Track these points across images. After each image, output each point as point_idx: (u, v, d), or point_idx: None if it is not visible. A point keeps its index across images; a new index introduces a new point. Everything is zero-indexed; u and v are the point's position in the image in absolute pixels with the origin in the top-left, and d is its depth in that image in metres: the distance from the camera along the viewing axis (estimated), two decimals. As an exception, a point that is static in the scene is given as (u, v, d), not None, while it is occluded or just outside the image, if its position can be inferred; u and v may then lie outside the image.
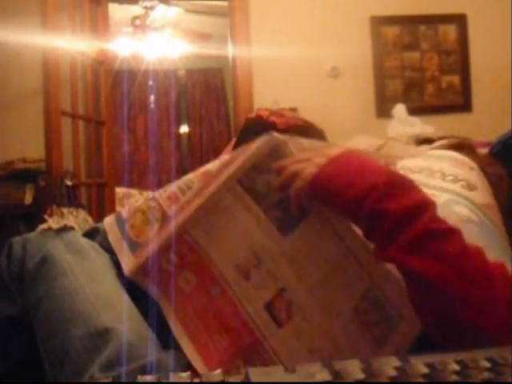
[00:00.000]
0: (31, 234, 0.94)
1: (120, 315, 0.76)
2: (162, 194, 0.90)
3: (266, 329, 0.73)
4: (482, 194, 0.85)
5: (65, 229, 0.92)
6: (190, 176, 0.88)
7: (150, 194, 0.93)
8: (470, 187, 0.84)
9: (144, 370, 0.70)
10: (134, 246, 0.85)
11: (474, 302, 0.58)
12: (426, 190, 0.72)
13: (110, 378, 0.68)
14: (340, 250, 0.74)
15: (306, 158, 0.75)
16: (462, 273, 0.59)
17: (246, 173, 0.80)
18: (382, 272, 0.72)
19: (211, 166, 0.87)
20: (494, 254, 0.66)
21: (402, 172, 0.77)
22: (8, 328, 0.85)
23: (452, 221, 0.66)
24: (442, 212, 0.67)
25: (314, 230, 0.76)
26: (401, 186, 0.66)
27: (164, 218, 0.84)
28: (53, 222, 0.92)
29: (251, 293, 0.74)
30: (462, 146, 1.01)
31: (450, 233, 0.63)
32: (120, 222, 0.91)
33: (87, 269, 0.84)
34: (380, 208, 0.63)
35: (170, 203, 0.86)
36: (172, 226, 0.80)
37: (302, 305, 0.73)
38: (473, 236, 0.69)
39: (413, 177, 0.76)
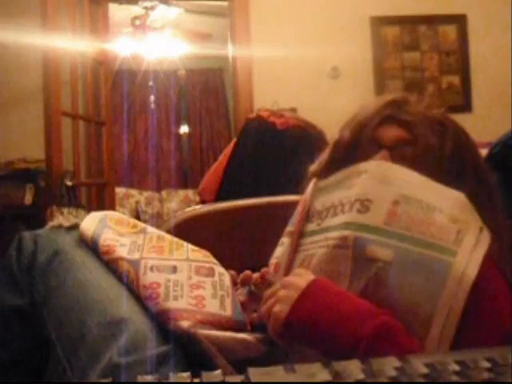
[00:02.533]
0: (41, 230, 0.95)
1: (133, 307, 0.78)
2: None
3: None
4: (379, 204, 0.76)
5: (75, 227, 0.93)
6: None
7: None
8: (364, 207, 0.77)
9: (161, 358, 0.72)
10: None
11: None
12: (330, 242, 0.76)
13: (110, 379, 0.68)
14: None
15: (272, 293, 0.75)
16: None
17: None
18: None
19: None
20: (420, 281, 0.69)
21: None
22: (11, 318, 0.86)
23: (368, 275, 0.71)
24: (359, 264, 0.72)
25: None
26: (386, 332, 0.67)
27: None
28: (63, 220, 0.95)
29: None
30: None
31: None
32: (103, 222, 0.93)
33: (99, 263, 0.85)
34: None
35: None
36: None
37: None
38: (396, 278, 0.70)
39: (323, 225, 0.81)
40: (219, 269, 0.88)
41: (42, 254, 0.87)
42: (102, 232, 0.89)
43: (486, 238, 0.72)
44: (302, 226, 0.86)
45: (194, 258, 0.87)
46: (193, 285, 0.81)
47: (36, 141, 2.97)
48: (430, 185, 0.78)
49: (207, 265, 0.87)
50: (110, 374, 0.69)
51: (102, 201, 3.23)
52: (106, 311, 0.77)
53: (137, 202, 5.62)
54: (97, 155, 3.24)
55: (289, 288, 0.73)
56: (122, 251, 0.85)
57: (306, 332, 0.70)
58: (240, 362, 0.74)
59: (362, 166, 0.83)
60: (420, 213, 0.74)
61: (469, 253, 0.70)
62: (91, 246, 0.88)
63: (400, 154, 0.89)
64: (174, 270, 0.83)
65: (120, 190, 5.17)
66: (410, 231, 0.73)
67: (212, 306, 0.80)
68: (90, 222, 0.93)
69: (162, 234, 0.94)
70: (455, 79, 3.40)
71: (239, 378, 0.37)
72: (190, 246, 0.91)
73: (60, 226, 0.93)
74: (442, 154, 0.88)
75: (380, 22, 3.34)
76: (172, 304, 0.78)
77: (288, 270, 0.83)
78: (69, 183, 2.81)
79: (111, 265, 0.85)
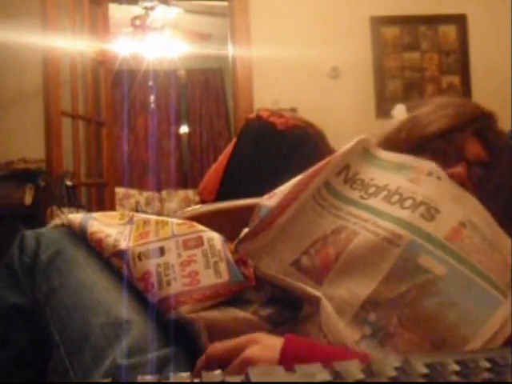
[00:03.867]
0: (44, 229, 0.95)
1: (137, 307, 0.77)
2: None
3: None
4: (446, 217, 0.73)
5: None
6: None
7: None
8: (430, 214, 0.73)
9: (164, 359, 0.71)
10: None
11: None
12: (380, 231, 0.72)
13: (110, 379, 0.68)
14: None
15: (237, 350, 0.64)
16: None
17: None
18: None
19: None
20: (464, 306, 0.67)
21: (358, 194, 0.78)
22: (13, 316, 0.86)
23: (415, 282, 0.68)
24: (404, 267, 0.69)
25: None
26: None
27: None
28: (64, 219, 0.94)
29: None
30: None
31: None
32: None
33: (103, 264, 0.85)
34: None
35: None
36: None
37: None
38: (443, 295, 0.68)
39: (368, 203, 0.76)
40: (208, 234, 0.84)
41: (45, 253, 0.87)
42: (88, 222, 0.89)
43: None
44: (329, 175, 0.83)
45: (180, 232, 0.84)
46: (183, 262, 0.79)
47: (36, 141, 2.97)
48: (495, 225, 0.77)
49: (194, 235, 0.83)
50: (113, 375, 0.68)
51: (102, 201, 3.23)
52: (110, 312, 0.76)
53: (137, 202, 5.62)
54: (97, 155, 3.24)
55: (261, 347, 0.64)
56: (108, 245, 0.83)
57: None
58: None
59: (435, 168, 0.80)
60: (483, 244, 0.72)
61: None
62: (80, 235, 0.88)
63: (476, 173, 0.87)
64: (162, 251, 0.81)
65: (120, 190, 5.17)
66: (470, 257, 0.71)
67: (207, 278, 0.77)
68: (76, 216, 0.93)
69: (148, 217, 0.91)
70: (455, 79, 3.40)
71: (239, 378, 0.37)
72: (175, 221, 0.88)
73: (62, 225, 0.93)
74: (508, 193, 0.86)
75: (380, 22, 3.34)
76: (167, 290, 0.76)
77: (289, 201, 0.81)
78: (69, 183, 2.81)
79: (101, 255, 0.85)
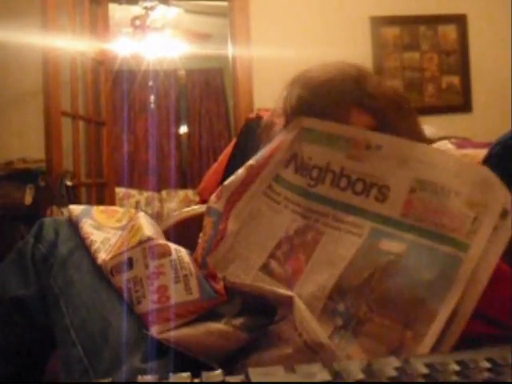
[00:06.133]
0: (64, 219, 0.92)
1: None
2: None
3: None
4: (397, 192, 0.73)
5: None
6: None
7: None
8: (382, 195, 0.73)
9: (180, 364, 0.68)
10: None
11: None
12: (342, 226, 0.73)
13: (110, 379, 0.68)
14: None
15: None
16: None
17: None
18: None
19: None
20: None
21: None
22: (8, 309, 0.84)
23: (377, 266, 0.68)
24: (366, 254, 0.70)
25: None
26: None
27: None
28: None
29: None
30: None
31: None
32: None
33: None
34: None
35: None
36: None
37: None
38: (405, 272, 0.67)
39: (320, 192, 0.76)
40: (172, 244, 0.79)
41: (65, 245, 0.85)
42: (82, 219, 0.87)
43: (508, 226, 0.64)
44: (277, 169, 0.81)
45: (146, 236, 0.79)
46: (152, 274, 0.75)
47: (36, 141, 2.97)
48: (450, 160, 0.70)
49: (160, 241, 0.78)
50: (133, 378, 0.67)
51: (102, 201, 3.22)
52: (131, 314, 0.75)
53: (137, 202, 5.62)
54: (97, 155, 3.24)
55: None
56: (92, 249, 0.83)
57: None
58: (225, 354, 0.69)
59: (373, 136, 0.76)
60: (434, 199, 0.68)
61: (483, 247, 0.63)
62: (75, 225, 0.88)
63: None
64: (130, 263, 0.77)
65: (120, 190, 5.17)
66: (424, 222, 0.68)
67: (177, 294, 0.73)
68: (74, 209, 0.92)
69: (140, 222, 0.86)
70: (455, 79, 3.40)
71: (239, 378, 0.37)
72: (148, 226, 0.83)
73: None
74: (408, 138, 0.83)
75: (380, 22, 3.34)
76: (138, 309, 0.75)
77: (235, 198, 0.79)
78: (69, 183, 2.81)
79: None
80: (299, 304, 0.67)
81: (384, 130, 0.82)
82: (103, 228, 0.88)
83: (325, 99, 0.86)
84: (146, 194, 5.76)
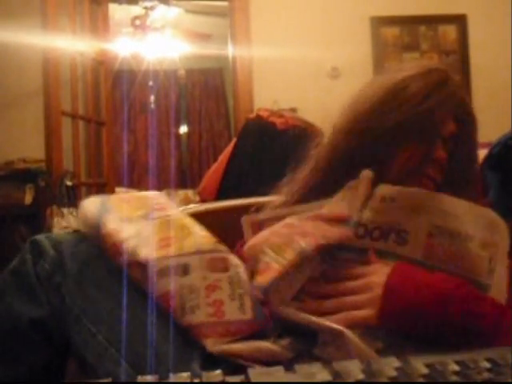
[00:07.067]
0: (58, 236, 0.87)
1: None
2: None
3: None
4: (415, 235, 0.79)
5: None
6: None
7: None
8: (401, 238, 0.79)
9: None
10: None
11: None
12: None
13: (110, 379, 0.67)
14: None
15: (341, 294, 0.73)
16: None
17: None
18: None
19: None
20: None
21: None
22: (28, 333, 0.79)
23: None
24: None
25: None
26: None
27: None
28: (80, 218, 0.88)
29: None
30: None
31: None
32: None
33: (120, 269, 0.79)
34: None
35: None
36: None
37: None
38: None
39: None
40: (233, 260, 0.78)
41: (72, 261, 0.80)
42: (102, 219, 0.81)
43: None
44: None
45: (205, 247, 0.78)
46: (209, 286, 0.74)
47: (36, 141, 2.97)
48: (460, 206, 0.78)
49: (220, 255, 0.78)
50: None
51: (102, 201, 3.22)
52: (168, 322, 0.73)
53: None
54: (97, 155, 3.24)
55: (366, 290, 0.71)
56: (126, 248, 0.77)
57: (403, 322, 0.69)
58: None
59: (385, 189, 0.80)
60: (453, 244, 0.75)
61: (501, 283, 0.72)
62: (94, 234, 0.81)
63: (453, 148, 0.88)
64: (186, 269, 0.75)
65: (120, 190, 5.16)
66: (447, 265, 0.74)
67: (232, 311, 0.73)
68: (91, 208, 0.85)
69: (166, 218, 0.84)
70: (455, 79, 3.40)
71: (239, 378, 0.37)
72: (198, 231, 0.82)
73: (77, 231, 0.87)
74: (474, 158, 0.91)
75: (380, 22, 3.34)
76: (190, 318, 0.72)
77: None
78: (69, 183, 2.81)
79: (117, 261, 0.78)
80: (351, 337, 0.69)
81: (461, 140, 0.87)
82: (131, 219, 0.82)
83: (418, 96, 0.85)
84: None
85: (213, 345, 0.71)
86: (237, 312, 0.74)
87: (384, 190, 0.80)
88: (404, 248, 0.76)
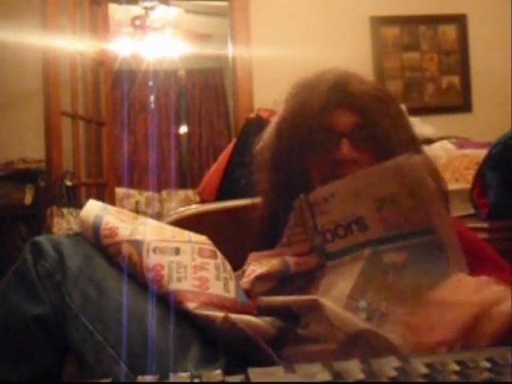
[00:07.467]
0: (59, 238, 0.88)
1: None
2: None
3: None
4: (372, 218, 0.84)
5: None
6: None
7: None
8: (363, 225, 0.84)
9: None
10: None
11: None
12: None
13: (110, 379, 0.68)
14: None
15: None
16: None
17: None
18: None
19: None
20: None
21: None
22: (34, 329, 0.80)
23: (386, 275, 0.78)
24: (372, 269, 0.79)
25: None
26: None
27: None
28: (78, 221, 0.92)
29: None
30: None
31: None
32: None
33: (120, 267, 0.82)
34: None
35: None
36: None
37: None
38: (412, 272, 0.77)
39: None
40: (221, 255, 0.86)
41: (72, 261, 0.82)
42: (104, 216, 0.86)
43: None
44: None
45: (197, 240, 0.85)
46: (196, 266, 0.80)
47: (36, 141, 2.97)
48: (381, 171, 0.81)
49: (210, 247, 0.85)
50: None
51: (102, 201, 3.17)
52: (169, 318, 0.74)
53: (137, 202, 5.62)
54: (97, 155, 3.24)
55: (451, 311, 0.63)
56: (123, 234, 0.82)
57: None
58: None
59: (320, 191, 0.84)
60: (396, 207, 0.79)
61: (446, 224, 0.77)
62: (91, 233, 0.84)
63: (360, 139, 0.90)
64: (177, 251, 0.81)
65: (120, 190, 5.17)
66: (404, 227, 0.78)
67: (216, 288, 0.78)
68: (92, 208, 0.90)
69: (163, 225, 0.92)
70: (455, 79, 3.40)
71: (239, 378, 0.37)
72: (192, 233, 0.88)
73: (76, 234, 0.88)
74: (393, 130, 0.90)
75: (380, 22, 3.34)
76: (175, 285, 0.76)
77: None
78: (69, 183, 2.81)
79: (112, 249, 0.82)
80: (326, 303, 0.73)
81: (369, 126, 0.89)
82: (126, 222, 0.88)
83: (308, 113, 0.92)
84: (145, 194, 5.75)
85: (195, 308, 0.74)
86: (221, 290, 0.79)
87: (319, 192, 0.84)
88: (368, 232, 0.80)
